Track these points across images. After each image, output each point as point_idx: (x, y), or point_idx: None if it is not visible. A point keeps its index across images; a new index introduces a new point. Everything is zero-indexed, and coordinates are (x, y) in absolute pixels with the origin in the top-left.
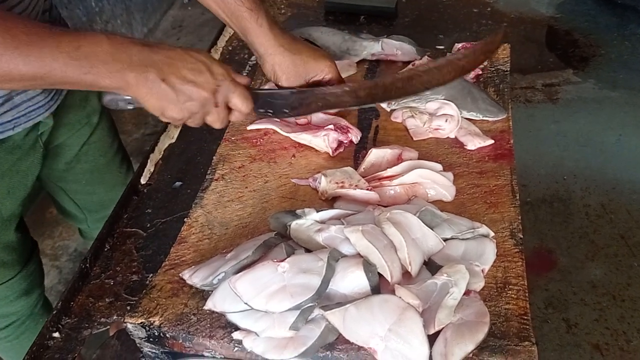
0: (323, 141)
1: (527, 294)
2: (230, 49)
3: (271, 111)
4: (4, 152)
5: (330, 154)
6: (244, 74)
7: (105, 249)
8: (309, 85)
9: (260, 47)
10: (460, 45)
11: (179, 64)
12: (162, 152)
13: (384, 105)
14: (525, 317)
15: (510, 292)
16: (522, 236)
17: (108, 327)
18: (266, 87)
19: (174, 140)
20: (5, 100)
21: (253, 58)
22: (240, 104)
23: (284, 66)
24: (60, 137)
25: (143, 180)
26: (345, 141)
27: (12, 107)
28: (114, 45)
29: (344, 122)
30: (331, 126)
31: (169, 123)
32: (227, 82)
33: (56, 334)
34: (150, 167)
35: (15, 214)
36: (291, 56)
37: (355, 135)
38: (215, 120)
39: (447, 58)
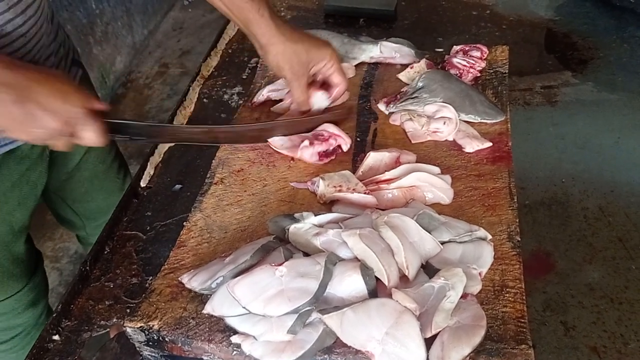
0: (307, 156)
1: (524, 297)
2: (230, 51)
3: (127, 138)
4: (14, 162)
5: (320, 163)
6: (244, 77)
7: (105, 252)
8: (311, 76)
9: (262, 37)
10: (458, 47)
11: (36, 88)
12: (162, 155)
13: (382, 107)
14: (523, 320)
15: (507, 295)
16: (519, 239)
17: (108, 330)
18: (264, 91)
19: (173, 144)
20: None
21: (253, 60)
22: (92, 137)
23: (287, 55)
24: None
25: (143, 184)
26: (331, 148)
27: None
28: None
29: (330, 130)
30: (306, 142)
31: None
32: (82, 114)
33: (56, 337)
34: (150, 170)
35: (25, 226)
36: (293, 45)
37: (345, 144)
38: (60, 146)
39: (299, 118)
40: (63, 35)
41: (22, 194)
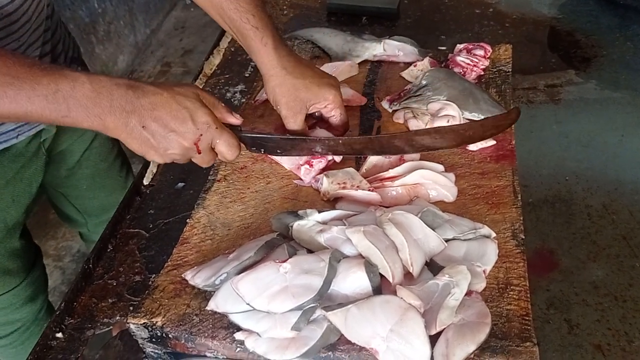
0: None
1: (528, 295)
2: (232, 50)
3: (263, 150)
4: (8, 160)
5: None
6: (246, 75)
7: (108, 250)
8: (310, 113)
9: (262, 66)
10: (462, 46)
11: (162, 112)
12: None
13: (385, 105)
14: (527, 318)
15: (511, 292)
16: (523, 237)
17: (111, 327)
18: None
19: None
20: None
21: None
22: (225, 151)
23: (285, 89)
24: (62, 144)
25: (146, 181)
26: (322, 163)
27: None
28: (95, 88)
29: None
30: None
31: None
32: (212, 130)
33: (59, 335)
34: (152, 168)
35: (20, 222)
36: (293, 80)
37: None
38: (201, 162)
39: (453, 127)
40: (63, 33)
41: (16, 191)
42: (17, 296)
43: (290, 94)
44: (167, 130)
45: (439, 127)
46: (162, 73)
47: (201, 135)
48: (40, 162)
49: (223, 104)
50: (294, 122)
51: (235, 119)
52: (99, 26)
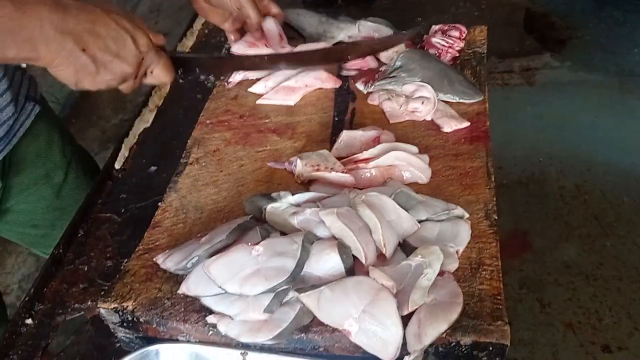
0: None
1: (500, 275)
2: (206, 32)
3: (191, 71)
4: None
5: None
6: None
7: (79, 235)
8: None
9: None
10: (437, 27)
11: (101, 31)
12: (137, 137)
13: (360, 87)
14: (499, 297)
15: (484, 272)
16: (496, 217)
17: (82, 312)
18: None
19: (148, 125)
20: None
21: (229, 41)
22: (163, 75)
23: None
24: (13, 201)
25: (117, 165)
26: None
27: None
28: (18, 7)
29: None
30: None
31: (144, 108)
32: (152, 53)
33: (29, 321)
34: (124, 152)
35: None
36: None
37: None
38: (127, 88)
39: (363, 41)
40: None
41: None
42: None
43: None
44: (109, 54)
45: (355, 41)
46: None
47: (142, 59)
48: None
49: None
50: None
51: (160, 39)
52: None
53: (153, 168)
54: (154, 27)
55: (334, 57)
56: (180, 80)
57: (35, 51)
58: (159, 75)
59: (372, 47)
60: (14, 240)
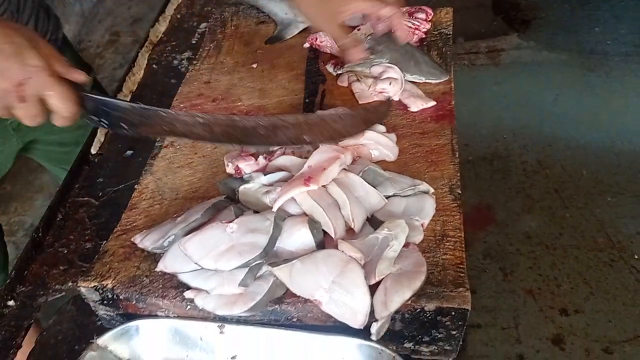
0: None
1: (463, 245)
2: (178, 16)
3: (106, 122)
4: None
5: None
6: (193, 42)
7: (58, 219)
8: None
9: None
10: (403, 9)
11: None
12: None
13: (330, 69)
14: (461, 266)
15: (447, 243)
16: (460, 192)
17: (63, 293)
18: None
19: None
20: None
21: (202, 26)
22: (58, 105)
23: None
24: (37, 130)
25: (93, 150)
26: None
27: None
28: None
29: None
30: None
31: (119, 93)
32: (42, 76)
33: (11, 302)
34: (100, 137)
35: None
36: None
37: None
38: (24, 117)
39: (321, 116)
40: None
41: None
42: None
43: (315, 4)
44: None
45: (308, 117)
46: (110, 43)
47: (27, 78)
48: (12, 148)
49: (65, 59)
50: (331, 32)
51: (79, 76)
52: None
53: (129, 152)
54: (127, 12)
55: (280, 137)
56: (102, 125)
57: None
58: (55, 105)
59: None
60: (41, 160)
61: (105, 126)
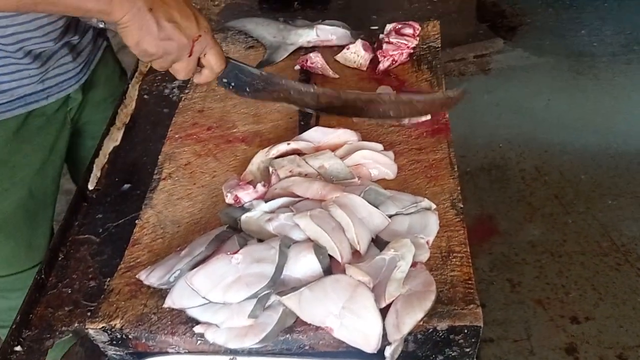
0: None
1: (470, 260)
2: None
3: (233, 85)
4: (37, 127)
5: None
6: None
7: (60, 258)
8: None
9: None
10: (391, 26)
11: (170, 2)
12: (108, 156)
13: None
14: (470, 282)
15: (454, 259)
16: (462, 206)
17: (70, 335)
18: None
19: (118, 143)
20: (39, 71)
21: None
22: (214, 61)
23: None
24: (86, 115)
25: (91, 186)
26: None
27: (45, 78)
28: None
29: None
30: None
31: (112, 126)
32: (209, 37)
33: (18, 348)
34: (96, 172)
35: (48, 194)
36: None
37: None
38: (182, 69)
39: (410, 97)
40: None
41: (42, 159)
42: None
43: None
44: (172, 21)
45: (399, 97)
46: None
47: (199, 36)
48: (66, 133)
49: None
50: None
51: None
52: None
53: (126, 186)
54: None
55: (373, 111)
56: (229, 88)
57: (110, 4)
58: (211, 61)
59: (416, 109)
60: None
61: (231, 88)
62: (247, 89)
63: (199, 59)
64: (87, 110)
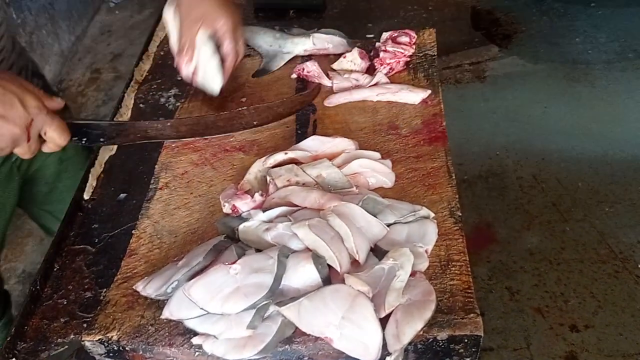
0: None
1: (469, 269)
2: (162, 53)
3: (85, 139)
4: None
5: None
6: (179, 78)
7: (55, 269)
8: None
9: None
10: (387, 35)
11: None
12: (103, 165)
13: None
14: (469, 291)
15: (453, 268)
16: (460, 214)
17: (66, 347)
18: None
19: (113, 152)
20: None
21: None
22: (57, 137)
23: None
24: (36, 162)
25: (86, 196)
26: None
27: None
28: None
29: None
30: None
31: None
32: (43, 115)
33: None
34: (92, 182)
35: None
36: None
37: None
38: (25, 152)
39: (268, 104)
40: (19, 48)
41: None
42: None
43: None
44: None
45: (256, 106)
46: (92, 80)
47: (32, 120)
48: (14, 185)
49: (40, 90)
50: (188, 31)
51: (57, 103)
52: (20, 38)
53: (122, 195)
54: (106, 48)
55: (237, 125)
56: (82, 143)
57: None
58: (53, 137)
59: (277, 112)
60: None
61: (85, 143)
62: (102, 139)
63: (40, 135)
64: (37, 157)
